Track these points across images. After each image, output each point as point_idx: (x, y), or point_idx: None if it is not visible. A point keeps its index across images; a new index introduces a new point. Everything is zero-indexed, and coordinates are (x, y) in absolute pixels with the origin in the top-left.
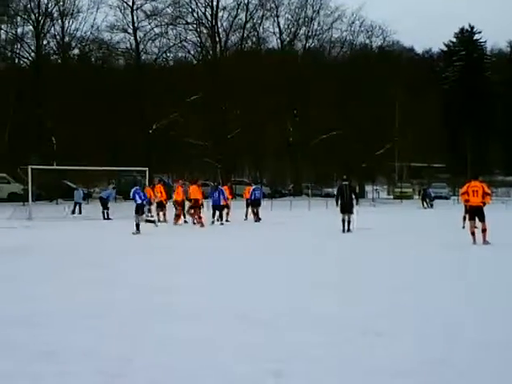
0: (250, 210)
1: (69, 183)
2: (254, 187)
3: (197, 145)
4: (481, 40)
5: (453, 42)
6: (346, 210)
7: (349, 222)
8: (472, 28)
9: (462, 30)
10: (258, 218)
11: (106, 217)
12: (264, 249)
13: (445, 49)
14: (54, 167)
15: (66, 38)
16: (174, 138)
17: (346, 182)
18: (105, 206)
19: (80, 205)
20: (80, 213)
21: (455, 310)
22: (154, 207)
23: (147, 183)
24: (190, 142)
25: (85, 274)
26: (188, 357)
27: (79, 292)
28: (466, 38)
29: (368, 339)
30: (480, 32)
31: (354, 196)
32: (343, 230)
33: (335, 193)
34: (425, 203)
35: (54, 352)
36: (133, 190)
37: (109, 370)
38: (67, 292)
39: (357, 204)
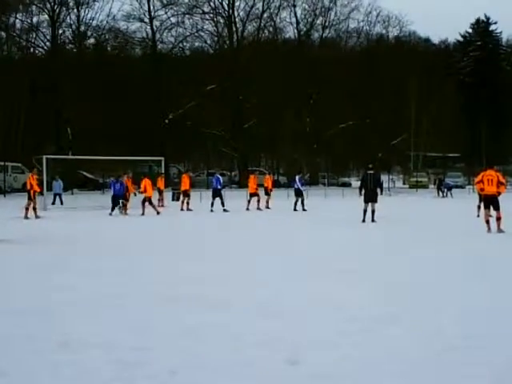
0: (266, 198)
1: (84, 173)
2: (297, 176)
3: (213, 134)
4: (496, 31)
5: (469, 33)
6: (369, 199)
7: (373, 212)
8: (488, 19)
9: (477, 20)
10: (294, 207)
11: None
12: (284, 238)
13: (461, 39)
14: (69, 157)
15: (82, 27)
16: (190, 127)
17: (371, 171)
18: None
19: (60, 195)
20: (62, 203)
21: (470, 298)
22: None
23: (163, 173)
24: (206, 131)
25: (105, 264)
26: (208, 345)
27: (99, 282)
28: (482, 29)
29: (386, 327)
30: (496, 23)
31: (377, 185)
32: (363, 220)
33: (350, 182)
34: (440, 192)
35: (72, 341)
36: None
37: (127, 359)
38: (87, 282)
39: (381, 194)
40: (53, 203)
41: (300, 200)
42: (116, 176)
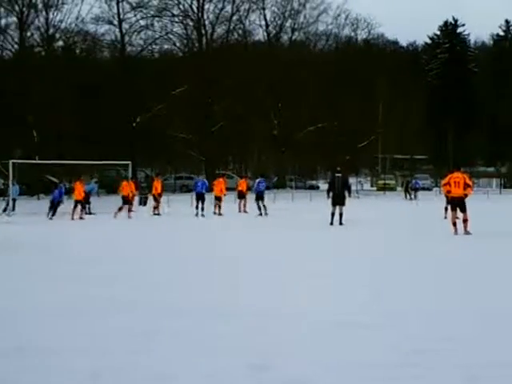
0: (242, 202)
1: (50, 178)
2: (258, 180)
3: (181, 138)
4: (464, 33)
5: (437, 35)
6: (337, 202)
7: (340, 215)
8: (456, 21)
9: (445, 22)
10: (265, 212)
11: (88, 211)
12: (250, 241)
13: (429, 41)
14: (36, 161)
15: (51, 30)
16: (158, 131)
17: (339, 174)
18: (87, 201)
19: (15, 201)
20: (13, 209)
21: (437, 300)
22: (135, 201)
23: (130, 177)
24: (174, 135)
25: (71, 270)
26: (168, 351)
27: (66, 288)
28: (450, 31)
29: (354, 332)
30: (463, 25)
31: (345, 188)
32: (331, 223)
33: (318, 185)
34: (408, 194)
35: (26, 347)
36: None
37: (84, 367)
38: (53, 288)
39: (349, 196)
40: (4, 210)
41: (261, 203)
42: (59, 181)
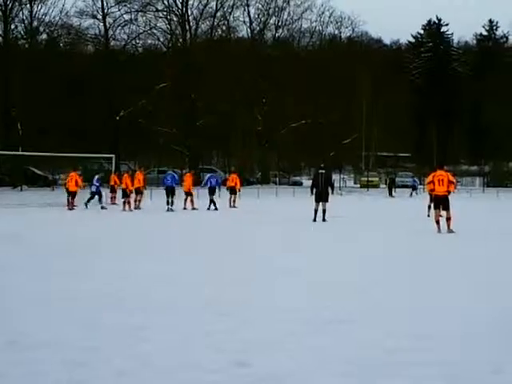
0: (233, 197)
1: (33, 169)
2: (209, 175)
3: (165, 132)
4: (448, 32)
5: (420, 34)
6: (321, 199)
7: (324, 211)
8: (439, 20)
9: (429, 21)
10: (214, 207)
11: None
12: (231, 237)
13: (412, 40)
14: (19, 153)
15: (35, 23)
16: (141, 125)
17: (323, 171)
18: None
19: None
20: None
21: (418, 297)
22: (118, 194)
23: (113, 170)
24: (158, 129)
25: (53, 263)
26: (155, 346)
27: (46, 281)
28: (433, 30)
29: (336, 328)
30: (447, 24)
31: (329, 185)
32: (314, 219)
33: (301, 181)
34: (391, 191)
35: (18, 341)
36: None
37: (75, 359)
38: (33, 281)
39: (332, 193)
40: None
41: (211, 197)
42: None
